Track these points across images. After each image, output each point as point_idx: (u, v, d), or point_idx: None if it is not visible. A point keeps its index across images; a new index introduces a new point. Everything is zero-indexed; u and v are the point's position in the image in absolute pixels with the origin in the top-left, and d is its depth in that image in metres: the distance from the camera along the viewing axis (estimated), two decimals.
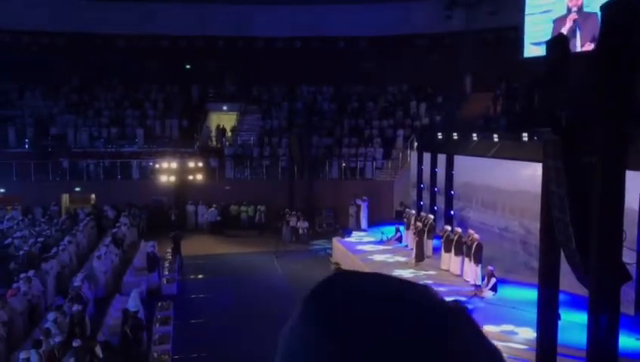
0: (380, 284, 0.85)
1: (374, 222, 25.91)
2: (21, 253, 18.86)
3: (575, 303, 13.27)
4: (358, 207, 26.24)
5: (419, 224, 19.14)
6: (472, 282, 15.43)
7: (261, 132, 33.33)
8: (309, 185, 28.42)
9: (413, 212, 22.26)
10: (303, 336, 0.79)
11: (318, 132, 32.15)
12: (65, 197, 29.07)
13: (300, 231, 24.40)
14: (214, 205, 28.46)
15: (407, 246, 21.45)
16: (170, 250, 21.55)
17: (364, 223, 25.48)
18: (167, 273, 19.44)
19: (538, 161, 14.12)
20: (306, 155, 28.47)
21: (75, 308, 13.11)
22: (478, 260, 15.76)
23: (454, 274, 16.97)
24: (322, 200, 28.79)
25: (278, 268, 21.84)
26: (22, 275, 15.61)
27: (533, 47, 25.58)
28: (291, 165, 29.23)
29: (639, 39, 8.70)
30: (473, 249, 15.83)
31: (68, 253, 19.36)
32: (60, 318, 12.90)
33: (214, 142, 33.96)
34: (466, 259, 16.34)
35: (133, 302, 13.57)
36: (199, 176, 28.15)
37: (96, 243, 22.99)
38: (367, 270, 16.34)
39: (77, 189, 28.99)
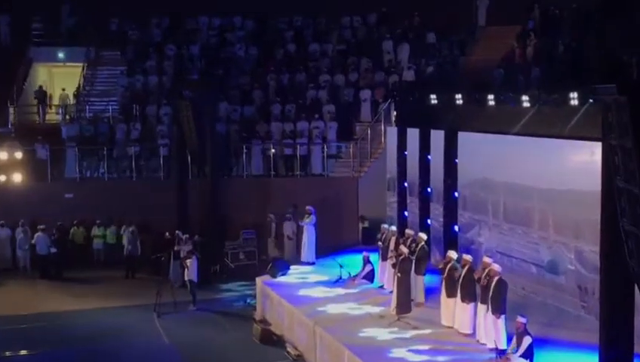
0: None
1: (327, 249, 26.03)
2: None
3: None
4: (299, 223, 26.35)
5: (403, 250, 19.35)
6: (493, 346, 15.68)
7: (127, 97, 32.95)
8: (212, 189, 28.25)
9: (394, 229, 22.48)
10: None
11: (227, 95, 31.97)
12: None
13: (185, 273, 24.09)
14: (42, 227, 27.86)
15: (382, 287, 21.56)
16: None
17: (308, 251, 25.56)
18: None
19: (595, 139, 14.59)
20: (207, 136, 28.27)
21: None
22: (499, 308, 16.04)
23: (463, 334, 17.23)
24: (237, 214, 28.73)
25: (163, 334, 21.59)
26: None
27: None
28: (181, 154, 29.04)
29: None
30: (492, 290, 16.11)
31: None
32: None
33: (44, 116, 33.27)
34: (481, 307, 16.64)
35: None
36: (18, 177, 27.45)
37: None
38: (318, 330, 16.35)
39: None
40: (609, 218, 12.52)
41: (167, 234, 26.80)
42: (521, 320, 14.98)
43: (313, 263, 25.16)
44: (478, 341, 16.66)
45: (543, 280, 18.88)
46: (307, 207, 25.89)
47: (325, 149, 30.69)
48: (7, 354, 20.27)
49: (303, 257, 25.44)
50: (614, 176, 11.30)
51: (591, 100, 15.98)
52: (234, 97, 32.34)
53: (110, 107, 32.82)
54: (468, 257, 17.74)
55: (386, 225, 23.06)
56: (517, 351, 14.92)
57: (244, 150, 30.48)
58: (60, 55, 35.00)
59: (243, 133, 31.18)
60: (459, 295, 17.34)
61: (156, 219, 28.33)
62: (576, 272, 17.53)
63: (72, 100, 33.88)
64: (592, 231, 15.67)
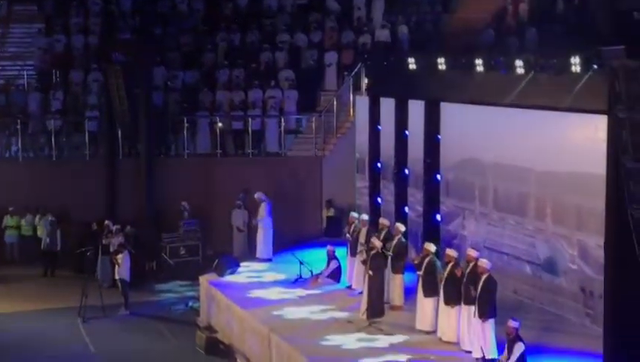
0: None
1: (285, 243, 26.08)
2: None
3: None
4: (251, 213, 26.30)
5: (375, 243, 19.39)
6: (479, 354, 15.81)
7: (46, 60, 32.66)
8: (147, 171, 28.19)
9: (364, 218, 22.53)
10: None
11: (165, 58, 31.88)
12: None
13: (116, 271, 23.98)
14: None
15: (350, 287, 21.69)
16: None
17: (264, 246, 25.55)
18: None
19: (600, 112, 14.72)
20: (141, 108, 28.09)
21: None
22: (488, 311, 16.14)
23: (446, 341, 17.32)
24: (177, 201, 28.68)
25: (89, 342, 21.56)
26: None
27: None
28: (110, 129, 28.91)
29: None
30: (480, 288, 16.24)
31: None
32: None
33: None
34: (466, 310, 16.74)
35: None
36: None
37: None
38: (274, 338, 16.19)
39: None
40: (615, 204, 12.64)
41: (93, 224, 26.67)
42: (512, 324, 15.07)
43: (270, 260, 25.20)
44: (462, 349, 16.80)
45: (539, 281, 18.98)
46: (257, 195, 25.78)
47: (282, 123, 30.64)
48: None
49: (258, 253, 25.44)
50: (622, 154, 11.40)
51: (595, 66, 16.08)
52: (173, 61, 32.07)
53: (25, 73, 32.35)
54: (452, 253, 17.69)
55: (355, 214, 23.07)
56: (509, 360, 15.05)
57: (185, 124, 30.33)
58: None
59: (184, 104, 30.96)
60: (441, 297, 17.44)
61: (80, 207, 28.23)
62: (579, 272, 17.62)
63: None
64: (598, 221, 15.83)
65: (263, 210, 25.36)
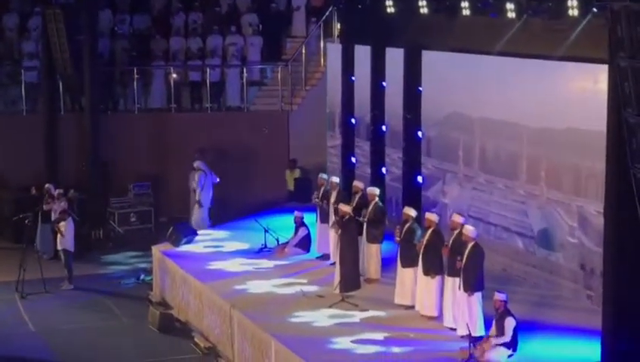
0: None
1: (248, 208, 26.17)
2: None
3: None
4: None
5: (343, 208, 19.38)
6: (466, 332, 15.85)
7: None
8: (92, 128, 28.07)
9: (335, 180, 22.51)
10: None
11: (111, 1, 31.63)
12: None
13: (59, 241, 23.87)
14: None
15: (321, 257, 21.77)
16: None
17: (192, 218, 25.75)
18: None
19: (600, 61, 14.73)
20: (85, 57, 27.91)
21: None
22: (474, 283, 16.22)
23: (427, 316, 17.43)
24: (126, 161, 28.68)
25: (28, 320, 21.58)
26: None
27: None
28: (51, 81, 28.76)
29: None
30: (465, 258, 16.30)
31: None
32: None
33: None
34: (449, 282, 16.80)
35: None
36: None
37: None
38: (237, 315, 16.14)
39: None
40: (616, 164, 12.65)
41: (32, 188, 26.51)
42: (499, 297, 15.13)
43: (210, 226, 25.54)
44: (446, 326, 16.88)
45: (532, 258, 18.99)
46: (195, 163, 25.94)
47: (245, 74, 30.59)
48: None
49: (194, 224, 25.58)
50: (624, 108, 11.38)
51: (594, 10, 16.08)
52: (121, 3, 31.89)
53: None
54: (433, 217, 17.77)
55: (325, 176, 23.01)
56: (498, 337, 15.06)
57: (135, 75, 30.20)
58: None
59: (133, 53, 30.86)
60: (420, 266, 17.49)
61: (17, 169, 28.17)
62: (578, 246, 17.62)
63: None
64: (599, 183, 15.83)
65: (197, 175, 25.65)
